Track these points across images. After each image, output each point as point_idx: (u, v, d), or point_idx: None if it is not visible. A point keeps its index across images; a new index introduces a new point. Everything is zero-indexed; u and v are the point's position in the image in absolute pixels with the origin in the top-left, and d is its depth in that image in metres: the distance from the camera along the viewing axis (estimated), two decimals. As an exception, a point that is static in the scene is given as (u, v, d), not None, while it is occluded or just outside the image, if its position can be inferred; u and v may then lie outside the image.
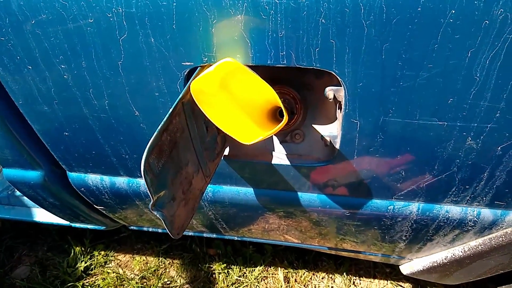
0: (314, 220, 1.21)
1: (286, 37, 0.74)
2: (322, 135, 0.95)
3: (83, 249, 2.18)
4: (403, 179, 0.97)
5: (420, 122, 0.82)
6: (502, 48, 0.68)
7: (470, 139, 0.83)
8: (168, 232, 0.80)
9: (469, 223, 1.04)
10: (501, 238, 1.04)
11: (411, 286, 1.94)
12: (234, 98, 0.79)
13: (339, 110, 0.90)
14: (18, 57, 0.89)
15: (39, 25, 0.82)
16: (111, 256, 2.18)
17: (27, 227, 2.31)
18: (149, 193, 0.69)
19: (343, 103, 0.83)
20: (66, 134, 1.06)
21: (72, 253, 2.15)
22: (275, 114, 0.96)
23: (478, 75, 0.72)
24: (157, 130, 0.68)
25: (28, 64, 0.90)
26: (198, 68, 0.81)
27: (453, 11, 0.65)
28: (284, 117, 0.75)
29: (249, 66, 0.76)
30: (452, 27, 0.67)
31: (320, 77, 0.91)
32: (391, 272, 1.99)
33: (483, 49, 0.68)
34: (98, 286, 2.03)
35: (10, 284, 2.08)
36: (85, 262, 2.12)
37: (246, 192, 1.16)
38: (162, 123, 0.70)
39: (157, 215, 0.73)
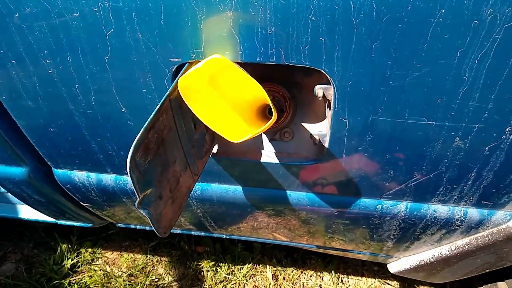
0: (303, 219, 1.20)
1: (275, 34, 0.73)
2: (311, 134, 0.94)
3: (70, 246, 2.15)
4: (391, 178, 0.97)
5: (409, 121, 0.81)
6: (491, 48, 0.68)
7: (458, 139, 0.83)
8: (155, 230, 0.79)
9: (456, 222, 1.05)
10: (487, 238, 1.05)
11: (398, 284, 1.95)
12: (222, 95, 0.78)
13: (328, 109, 0.89)
14: (2, 51, 0.87)
15: (23, 19, 0.80)
16: (99, 254, 2.16)
17: (12, 223, 2.27)
18: (135, 191, 0.68)
19: (332, 101, 0.82)
20: (52, 130, 1.04)
21: (59, 250, 2.12)
22: (265, 112, 0.95)
23: (467, 75, 0.72)
24: (143, 127, 0.67)
25: (11, 58, 0.88)
26: (186, 64, 0.80)
27: (443, 10, 0.65)
28: (273, 115, 0.74)
29: (238, 63, 0.75)
30: (442, 27, 0.67)
31: (309, 75, 0.90)
32: (379, 270, 2.00)
33: (472, 49, 0.68)
34: (85, 283, 2.01)
35: (-5, 281, 2.05)
36: (72, 260, 2.09)
37: (234, 190, 1.15)
38: (149, 120, 0.68)
39: (143, 214, 0.72)
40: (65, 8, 0.77)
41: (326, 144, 0.92)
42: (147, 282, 1.99)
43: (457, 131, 0.81)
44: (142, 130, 0.67)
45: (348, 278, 1.99)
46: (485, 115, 0.77)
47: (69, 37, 0.81)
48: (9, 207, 1.66)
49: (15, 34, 0.83)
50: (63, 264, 2.08)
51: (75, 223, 1.61)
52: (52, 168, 1.23)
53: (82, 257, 2.12)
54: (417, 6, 0.65)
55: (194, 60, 0.79)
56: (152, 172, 0.73)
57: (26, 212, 1.63)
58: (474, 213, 1.02)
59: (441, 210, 1.03)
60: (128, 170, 0.65)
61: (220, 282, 1.99)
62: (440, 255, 1.19)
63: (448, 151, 0.86)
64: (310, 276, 2.01)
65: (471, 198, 0.97)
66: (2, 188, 1.59)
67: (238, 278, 1.99)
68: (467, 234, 1.09)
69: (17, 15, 0.79)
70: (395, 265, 1.42)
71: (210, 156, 1.03)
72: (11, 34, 0.83)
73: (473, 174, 0.90)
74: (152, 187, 0.74)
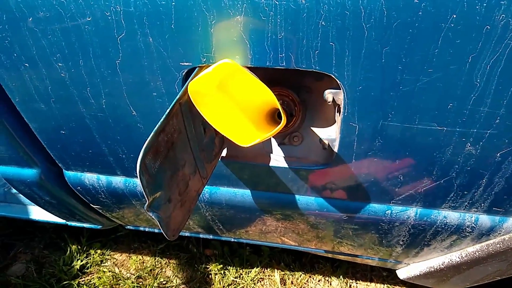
0: (312, 223, 1.20)
1: (285, 39, 0.73)
2: (320, 138, 0.94)
3: (79, 247, 2.17)
4: (401, 184, 0.96)
5: (420, 127, 0.81)
6: (503, 53, 0.67)
7: (469, 144, 0.82)
8: (164, 233, 0.79)
9: (467, 229, 1.03)
10: (498, 245, 1.03)
11: (407, 290, 1.93)
12: (232, 100, 0.78)
13: (338, 113, 0.89)
14: (15, 55, 0.88)
15: (36, 23, 0.81)
16: (108, 255, 2.17)
17: (23, 224, 2.30)
18: (145, 194, 0.69)
19: (342, 106, 0.82)
20: (63, 132, 1.06)
21: (69, 251, 2.14)
22: (274, 116, 0.95)
23: (478, 80, 0.71)
24: (154, 131, 0.68)
25: (25, 62, 0.89)
26: (197, 68, 0.81)
27: (454, 16, 0.64)
28: (282, 120, 0.74)
29: (248, 68, 0.75)
30: (453, 32, 0.66)
31: (319, 80, 0.90)
32: (388, 275, 1.99)
33: (484, 54, 0.68)
34: (94, 285, 2.02)
35: (5, 281, 2.07)
36: (81, 261, 2.11)
37: (243, 194, 1.15)
38: (159, 124, 0.69)
39: (153, 216, 0.73)
40: (77, 12, 0.78)
41: (336, 149, 0.92)
42: (155, 284, 2.00)
43: (468, 137, 0.81)
44: (152, 133, 0.67)
45: (357, 283, 1.98)
46: (497, 121, 0.76)
47: (81, 41, 0.82)
48: (20, 208, 1.67)
49: (29, 37, 0.84)
50: (72, 265, 2.09)
51: (85, 225, 1.62)
52: (63, 170, 1.24)
53: (92, 258, 2.14)
54: (428, 11, 0.65)
55: (204, 65, 0.80)
56: (161, 175, 0.74)
57: (37, 213, 1.65)
58: (485, 219, 1.00)
59: (451, 216, 1.02)
60: (138, 173, 0.65)
61: (228, 285, 1.99)
62: (450, 262, 1.17)
63: (459, 157, 0.85)
64: (318, 280, 2.00)
65: (482, 204, 0.96)
66: (13, 189, 1.61)
67: (246, 281, 1.99)
68: (478, 241, 1.07)
69: (30, 19, 0.81)
70: (405, 271, 1.40)
71: (219, 159, 1.03)
72: (24, 37, 0.84)
73: (484, 180, 0.89)
74: (161, 190, 0.74)
